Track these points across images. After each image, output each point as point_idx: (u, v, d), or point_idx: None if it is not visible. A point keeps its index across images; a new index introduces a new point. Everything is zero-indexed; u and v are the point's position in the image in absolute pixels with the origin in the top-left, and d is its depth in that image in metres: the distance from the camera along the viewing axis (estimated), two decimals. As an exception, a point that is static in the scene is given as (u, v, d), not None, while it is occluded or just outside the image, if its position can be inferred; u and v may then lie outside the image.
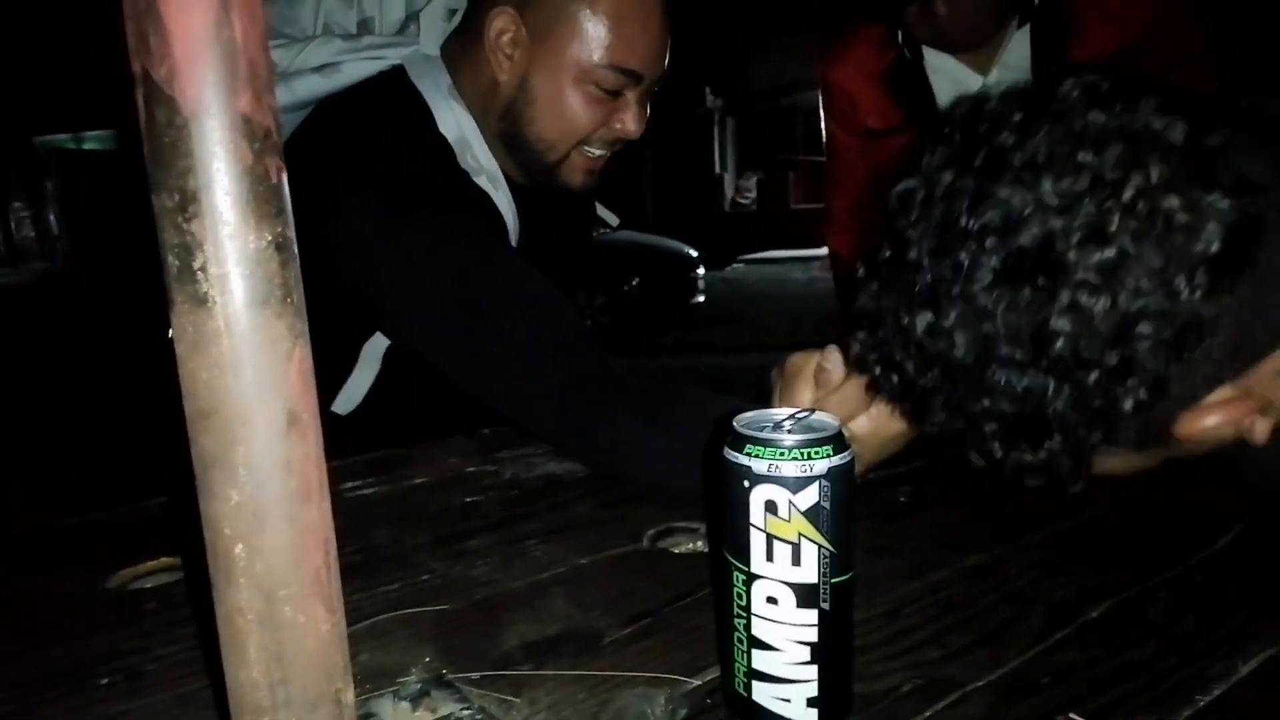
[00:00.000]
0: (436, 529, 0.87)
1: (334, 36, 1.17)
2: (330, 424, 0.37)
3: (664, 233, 8.42)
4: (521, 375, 1.01)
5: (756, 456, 0.52)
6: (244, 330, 0.34)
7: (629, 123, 1.13)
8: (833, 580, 0.52)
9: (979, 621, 0.67)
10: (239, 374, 0.34)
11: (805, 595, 0.52)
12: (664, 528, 0.85)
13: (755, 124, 16.12)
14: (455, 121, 1.13)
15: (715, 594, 0.70)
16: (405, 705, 0.58)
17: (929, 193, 0.60)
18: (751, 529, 0.52)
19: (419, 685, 0.60)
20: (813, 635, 0.52)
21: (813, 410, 0.56)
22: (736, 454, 0.53)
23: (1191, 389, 0.60)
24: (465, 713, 0.57)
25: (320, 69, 1.13)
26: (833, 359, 0.80)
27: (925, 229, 0.59)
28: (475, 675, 0.61)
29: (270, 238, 0.34)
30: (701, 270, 8.15)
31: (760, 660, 0.54)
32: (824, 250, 2.09)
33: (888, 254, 0.63)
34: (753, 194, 16.30)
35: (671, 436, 0.93)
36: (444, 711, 0.57)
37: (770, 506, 0.51)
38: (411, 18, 1.20)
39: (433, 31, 1.17)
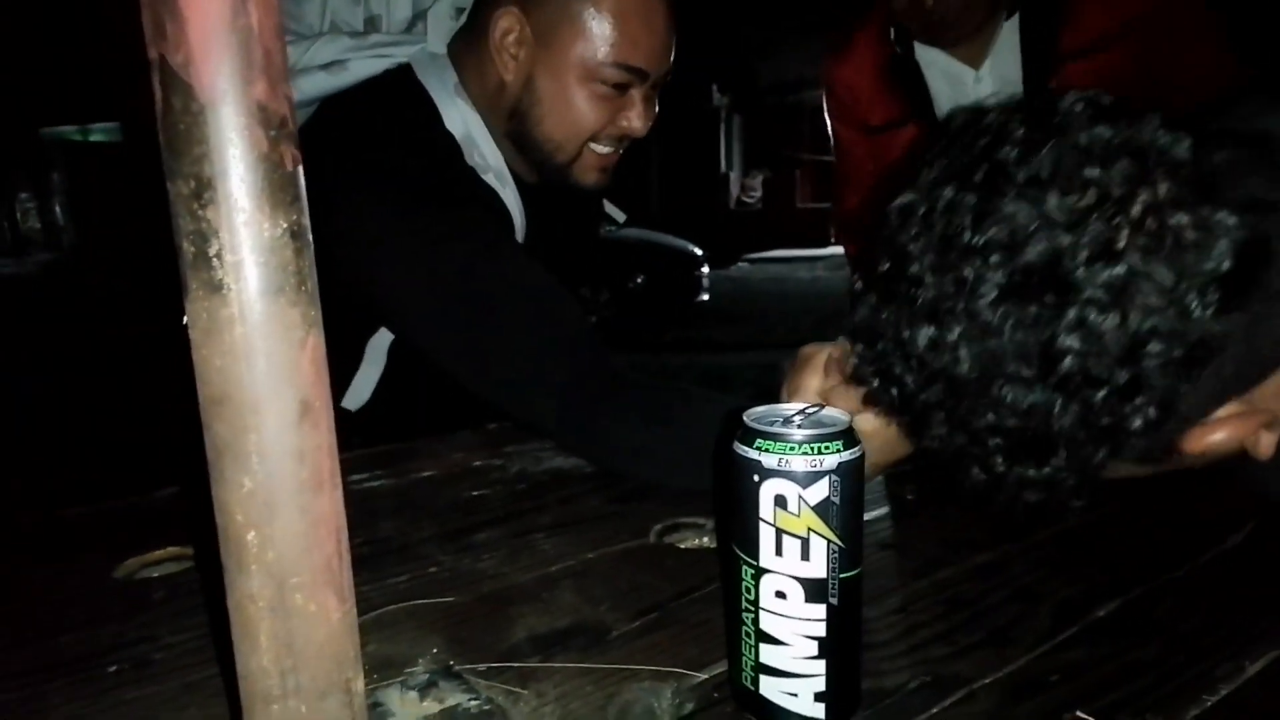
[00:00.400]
0: (444, 522, 0.87)
1: (341, 34, 1.17)
2: (339, 420, 0.37)
3: (669, 230, 8.42)
4: (523, 371, 1.01)
5: (766, 451, 0.52)
6: (258, 318, 0.34)
7: (634, 120, 1.13)
8: (841, 575, 0.52)
9: (987, 619, 0.67)
10: (252, 361, 0.34)
11: (814, 590, 0.52)
12: (671, 523, 0.85)
13: (762, 122, 16.12)
14: (461, 119, 1.13)
15: (724, 588, 0.70)
16: (413, 695, 0.58)
17: (929, 207, 0.59)
18: (761, 523, 0.52)
19: (426, 676, 0.60)
20: (821, 630, 0.52)
21: (822, 405, 0.56)
22: (746, 448, 0.53)
23: (1199, 406, 0.59)
24: (472, 703, 0.57)
25: (327, 66, 1.13)
26: (843, 351, 0.80)
27: (927, 244, 0.58)
28: (482, 667, 0.61)
29: (285, 225, 0.34)
30: (706, 268, 8.15)
31: (768, 654, 0.54)
32: (829, 250, 2.09)
33: (887, 267, 0.62)
34: (758, 192, 16.28)
35: (671, 435, 0.93)
36: (451, 702, 0.57)
37: (780, 501, 0.51)
38: (419, 16, 1.20)
39: (439, 30, 1.17)
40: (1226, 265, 0.53)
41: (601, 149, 1.15)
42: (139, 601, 0.72)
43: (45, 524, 0.90)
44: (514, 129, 1.14)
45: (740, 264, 13.61)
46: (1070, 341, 0.54)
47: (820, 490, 0.51)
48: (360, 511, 0.89)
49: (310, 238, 0.35)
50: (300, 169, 0.35)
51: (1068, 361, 0.54)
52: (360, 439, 1.14)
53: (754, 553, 0.53)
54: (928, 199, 0.59)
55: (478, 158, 1.14)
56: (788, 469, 0.51)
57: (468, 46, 1.14)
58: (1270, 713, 0.56)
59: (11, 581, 0.78)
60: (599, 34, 1.07)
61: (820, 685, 0.53)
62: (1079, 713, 0.55)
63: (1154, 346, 0.53)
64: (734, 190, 16.51)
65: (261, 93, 0.33)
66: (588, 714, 0.56)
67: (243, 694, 0.38)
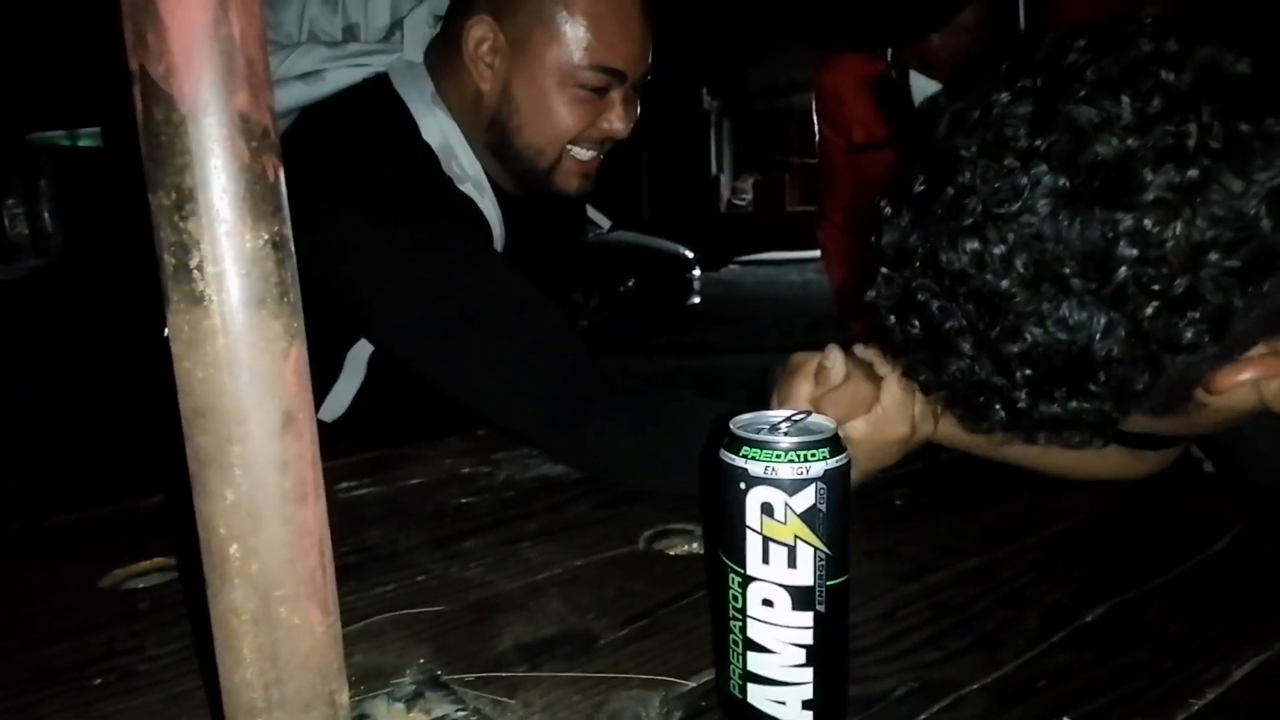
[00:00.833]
0: (431, 530, 0.86)
1: (319, 43, 1.17)
2: (320, 430, 0.37)
3: (660, 234, 8.41)
4: (505, 378, 1.01)
5: (753, 459, 0.51)
6: (240, 329, 0.34)
7: (615, 121, 1.12)
8: (828, 583, 0.52)
9: (975, 624, 0.67)
10: (235, 373, 0.34)
11: (801, 598, 0.52)
12: (659, 530, 0.85)
13: (752, 126, 16.13)
14: (439, 129, 1.13)
15: (711, 596, 0.70)
16: (399, 706, 0.58)
17: (984, 113, 0.57)
18: (747, 531, 0.52)
19: (413, 686, 0.60)
20: (808, 638, 0.52)
21: (809, 412, 0.56)
22: (733, 456, 0.52)
23: (1241, 336, 0.58)
24: (459, 714, 0.57)
25: (305, 77, 1.13)
26: (833, 358, 0.80)
27: (980, 148, 0.56)
28: (470, 676, 0.61)
29: (267, 236, 0.34)
30: (697, 271, 8.15)
31: (755, 662, 0.53)
32: (819, 253, 2.10)
33: (926, 181, 0.60)
34: (749, 196, 16.29)
35: (657, 441, 0.93)
36: (438, 713, 0.57)
37: (766, 509, 0.51)
38: (396, 24, 1.20)
39: (416, 38, 1.17)
40: None
41: (583, 154, 1.15)
42: (124, 613, 0.71)
43: (30, 532, 0.90)
44: (494, 139, 1.14)
45: (731, 267, 13.62)
46: (1128, 249, 0.53)
47: (807, 498, 0.51)
48: (347, 519, 0.88)
49: (292, 249, 0.35)
50: (282, 179, 0.35)
51: (1123, 271, 0.53)
52: (345, 445, 1.13)
53: (741, 561, 0.53)
54: (983, 105, 0.58)
55: (456, 167, 1.13)
56: (774, 476, 0.51)
57: (443, 58, 1.14)
58: (1257, 716, 0.56)
59: (-4, 592, 0.77)
60: (573, 37, 1.06)
61: (808, 693, 0.53)
62: (1067, 718, 0.55)
63: (1214, 255, 0.52)
64: (724, 193, 16.53)
65: (243, 103, 0.33)
66: (576, 723, 0.56)
67: (226, 707, 0.38)
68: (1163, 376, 0.58)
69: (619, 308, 7.27)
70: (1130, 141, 0.52)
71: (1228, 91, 0.53)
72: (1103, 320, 0.55)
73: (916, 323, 0.62)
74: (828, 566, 0.52)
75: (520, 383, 1.00)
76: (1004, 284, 0.56)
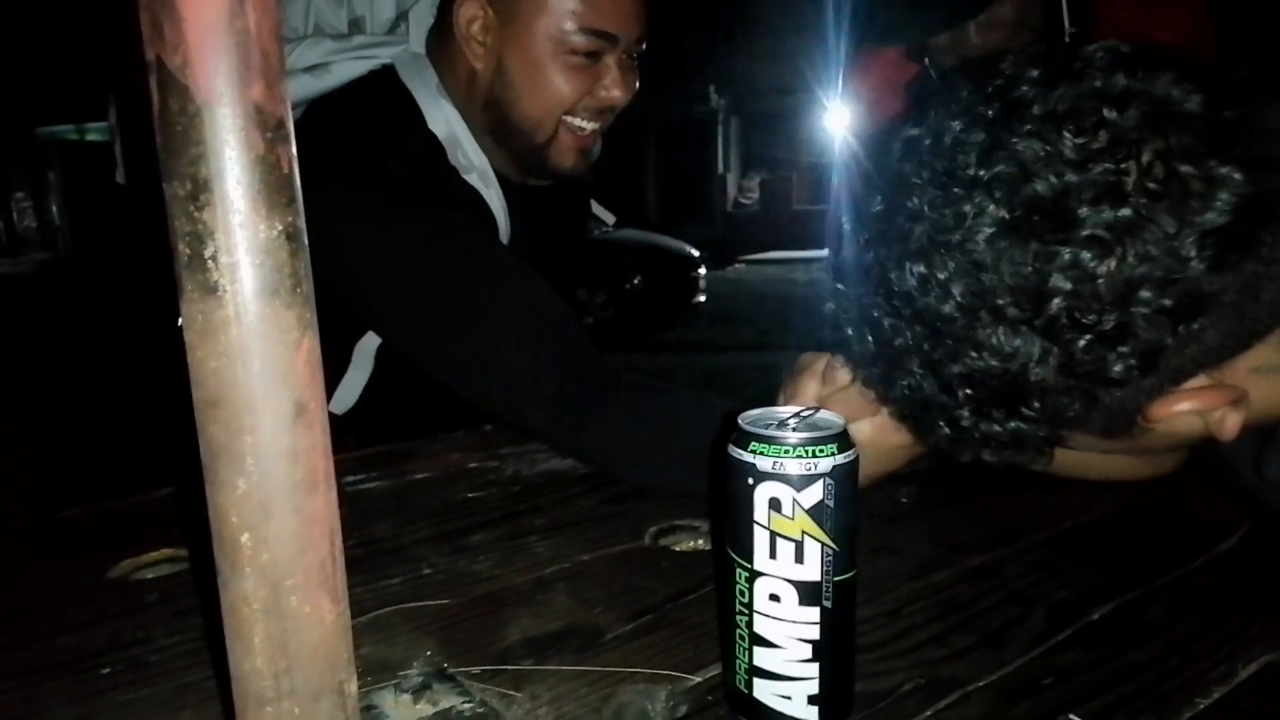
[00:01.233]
0: (438, 524, 0.87)
1: (324, 36, 1.17)
2: (329, 423, 0.37)
3: (666, 232, 8.43)
4: (512, 372, 1.01)
5: (761, 454, 0.52)
6: (253, 320, 0.34)
7: (613, 88, 1.11)
8: (835, 578, 0.52)
9: (981, 622, 0.67)
10: (247, 363, 0.34)
11: (808, 593, 0.52)
12: (666, 525, 0.85)
13: (759, 124, 16.13)
14: (445, 119, 1.13)
15: (718, 590, 0.70)
16: (406, 698, 0.58)
17: (936, 141, 0.58)
18: (755, 526, 0.52)
19: (420, 678, 0.60)
20: (815, 633, 0.52)
21: (817, 409, 0.56)
22: (741, 451, 0.53)
23: (1176, 370, 0.59)
24: (466, 706, 0.57)
25: (311, 69, 1.13)
26: (843, 359, 0.80)
27: (931, 176, 0.58)
28: (476, 669, 0.61)
29: (281, 227, 0.34)
30: (703, 270, 8.16)
31: (762, 657, 0.54)
32: (825, 252, 2.09)
33: (880, 205, 0.61)
34: (755, 194, 16.29)
35: (661, 436, 0.93)
36: (445, 705, 0.57)
37: (774, 504, 0.51)
38: (402, 16, 1.20)
39: (421, 29, 1.17)
40: (1227, 219, 0.52)
41: (580, 125, 1.14)
42: (133, 603, 0.72)
43: (40, 525, 0.90)
44: (491, 119, 1.13)
45: (737, 265, 13.62)
46: (1062, 282, 0.53)
47: (815, 493, 0.51)
48: (355, 513, 0.89)
49: (306, 240, 0.35)
50: (296, 171, 0.35)
51: (1056, 302, 0.54)
52: (355, 438, 1.13)
53: (748, 556, 0.53)
54: (934, 133, 0.59)
55: (461, 158, 1.13)
56: (782, 472, 0.51)
57: (440, 44, 1.14)
58: (1263, 715, 0.56)
59: (6, 583, 0.78)
60: (560, 4, 1.06)
61: (814, 688, 0.53)
62: (1072, 715, 0.55)
63: (1146, 293, 0.53)
64: (731, 192, 16.53)
65: (258, 94, 0.33)
66: (582, 717, 0.56)
67: (236, 696, 0.38)
68: (1098, 404, 0.59)
69: (625, 305, 7.29)
70: (1070, 177, 0.53)
71: (1174, 131, 0.54)
72: (1036, 349, 0.56)
73: (870, 338, 0.64)
74: (835, 562, 0.52)
75: (525, 375, 1.00)
76: (946, 308, 0.57)
